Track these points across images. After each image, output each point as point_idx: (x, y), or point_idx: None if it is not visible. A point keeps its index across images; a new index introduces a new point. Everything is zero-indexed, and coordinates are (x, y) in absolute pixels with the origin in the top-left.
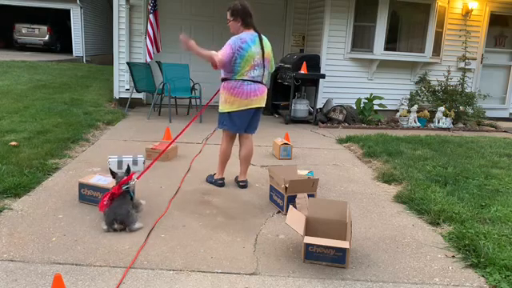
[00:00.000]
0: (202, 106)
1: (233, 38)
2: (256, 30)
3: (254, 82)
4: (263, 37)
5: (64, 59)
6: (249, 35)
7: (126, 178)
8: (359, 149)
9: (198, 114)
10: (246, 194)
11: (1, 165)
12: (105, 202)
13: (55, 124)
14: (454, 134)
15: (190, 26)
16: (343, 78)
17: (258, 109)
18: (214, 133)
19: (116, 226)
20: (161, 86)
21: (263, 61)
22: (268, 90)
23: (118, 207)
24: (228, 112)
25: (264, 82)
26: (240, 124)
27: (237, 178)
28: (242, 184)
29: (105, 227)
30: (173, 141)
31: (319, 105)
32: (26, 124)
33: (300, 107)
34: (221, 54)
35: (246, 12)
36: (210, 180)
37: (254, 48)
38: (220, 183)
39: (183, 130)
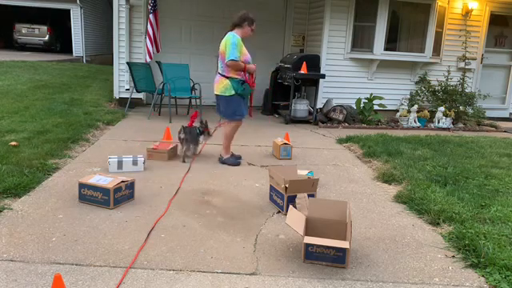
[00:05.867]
0: (202, 106)
1: None
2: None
3: (217, 72)
4: (226, 34)
5: (64, 59)
6: None
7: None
8: (359, 149)
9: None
10: (246, 194)
11: (1, 165)
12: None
13: (55, 124)
14: (454, 133)
15: (190, 26)
16: (343, 78)
17: (216, 95)
18: (213, 133)
19: (181, 134)
20: (161, 86)
21: (219, 55)
22: (268, 89)
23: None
24: None
25: (220, 72)
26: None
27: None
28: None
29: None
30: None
31: (319, 105)
32: (26, 124)
33: (300, 107)
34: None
35: (233, 18)
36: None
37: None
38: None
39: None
